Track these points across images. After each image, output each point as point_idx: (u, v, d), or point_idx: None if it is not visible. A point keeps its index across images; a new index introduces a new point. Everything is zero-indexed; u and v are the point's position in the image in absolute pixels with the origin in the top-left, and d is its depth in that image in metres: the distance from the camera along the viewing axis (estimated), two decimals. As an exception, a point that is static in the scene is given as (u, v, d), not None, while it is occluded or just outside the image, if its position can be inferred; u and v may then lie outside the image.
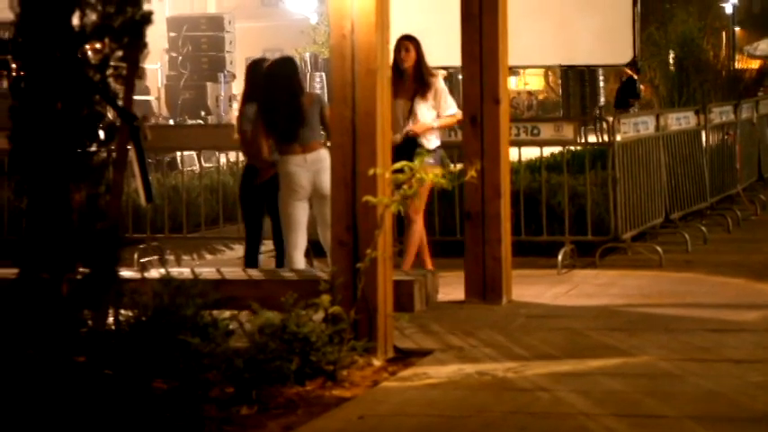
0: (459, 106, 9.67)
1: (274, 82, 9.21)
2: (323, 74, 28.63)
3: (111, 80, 6.18)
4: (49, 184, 6.00)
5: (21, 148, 6.08)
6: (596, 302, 9.07)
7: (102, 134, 6.19)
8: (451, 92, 10.38)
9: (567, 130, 10.92)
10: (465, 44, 9.08)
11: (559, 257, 10.44)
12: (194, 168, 15.71)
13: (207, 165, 14.84)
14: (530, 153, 11.82)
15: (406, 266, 9.42)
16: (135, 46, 6.17)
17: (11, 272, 6.19)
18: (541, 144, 11.24)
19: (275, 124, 9.02)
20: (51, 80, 5.99)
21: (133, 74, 6.36)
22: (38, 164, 6.00)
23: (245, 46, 28.94)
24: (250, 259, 9.68)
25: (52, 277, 6.03)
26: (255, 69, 9.80)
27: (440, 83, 9.78)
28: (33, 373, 5.81)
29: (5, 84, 16.16)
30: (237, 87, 28.09)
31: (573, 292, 9.54)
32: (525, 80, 36.80)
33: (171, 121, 22.46)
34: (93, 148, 6.15)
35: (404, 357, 7.24)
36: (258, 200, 9.50)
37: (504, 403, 6.26)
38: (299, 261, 9.06)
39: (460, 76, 9.37)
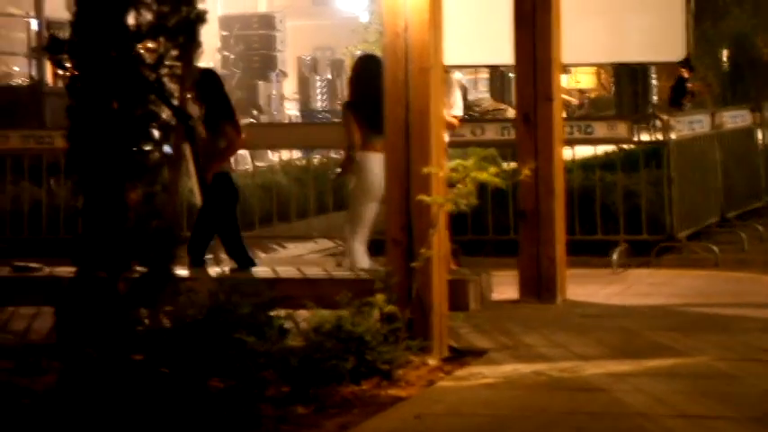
0: (510, 104, 9.65)
1: (372, 78, 9.19)
2: (374, 72, 28.61)
3: (166, 79, 6.20)
4: (106, 183, 6.04)
5: (78, 148, 6.12)
6: (651, 302, 9.01)
7: (157, 133, 6.21)
8: (504, 90, 10.35)
9: (621, 129, 10.86)
10: (518, 42, 9.04)
11: (614, 256, 10.37)
12: (247, 167, 15.79)
13: (259, 164, 14.91)
14: (582, 151, 11.75)
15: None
16: (190, 45, 6.19)
17: (68, 270, 6.23)
18: (595, 142, 11.18)
19: (371, 119, 8.88)
20: (107, 80, 6.02)
21: (188, 73, 6.39)
22: (94, 163, 6.03)
23: (295, 44, 28.98)
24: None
25: (109, 276, 6.06)
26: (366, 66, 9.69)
27: (452, 81, 9.72)
28: (92, 372, 5.85)
29: (63, 83, 16.32)
30: (289, 86, 28.23)
31: (628, 292, 9.48)
32: (576, 78, 36.60)
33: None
34: (149, 147, 6.17)
35: (459, 357, 7.22)
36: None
37: (561, 403, 6.23)
38: (364, 257, 9.05)
39: (511, 75, 9.32)
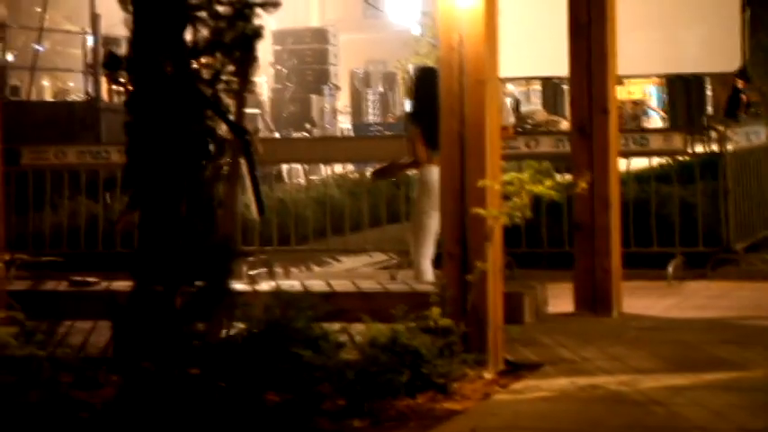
0: (563, 115, 9.65)
1: (433, 90, 9.25)
2: (426, 85, 28.64)
3: (222, 94, 6.25)
4: (163, 197, 6.08)
5: (136, 163, 6.18)
6: (708, 315, 8.94)
7: (214, 148, 6.25)
8: (557, 102, 10.35)
9: (677, 140, 10.80)
10: (573, 54, 9.02)
11: (670, 269, 10.31)
12: (300, 181, 15.85)
13: (312, 177, 14.96)
14: (636, 163, 11.70)
15: None
16: (246, 60, 6.24)
17: (125, 284, 6.28)
18: (650, 154, 11.12)
19: (433, 132, 8.97)
20: (165, 96, 6.08)
21: (244, 88, 6.43)
22: (152, 178, 6.08)
23: (348, 58, 29.08)
24: None
25: (166, 290, 6.10)
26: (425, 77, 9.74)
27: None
28: (149, 386, 5.89)
29: (119, 99, 16.46)
30: (342, 100, 28.32)
31: (684, 305, 9.42)
32: (629, 89, 36.44)
33: (276, 134, 22.65)
34: (206, 162, 6.21)
35: (514, 370, 7.20)
36: None
37: (618, 417, 6.19)
38: (429, 270, 9.07)
39: (565, 86, 9.30)
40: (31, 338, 6.80)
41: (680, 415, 6.19)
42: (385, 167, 9.62)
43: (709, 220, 10.92)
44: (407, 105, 10.18)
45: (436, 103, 9.04)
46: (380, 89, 29.60)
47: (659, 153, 11.10)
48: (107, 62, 6.28)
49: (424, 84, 9.52)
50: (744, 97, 23.35)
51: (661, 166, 12.26)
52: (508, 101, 9.50)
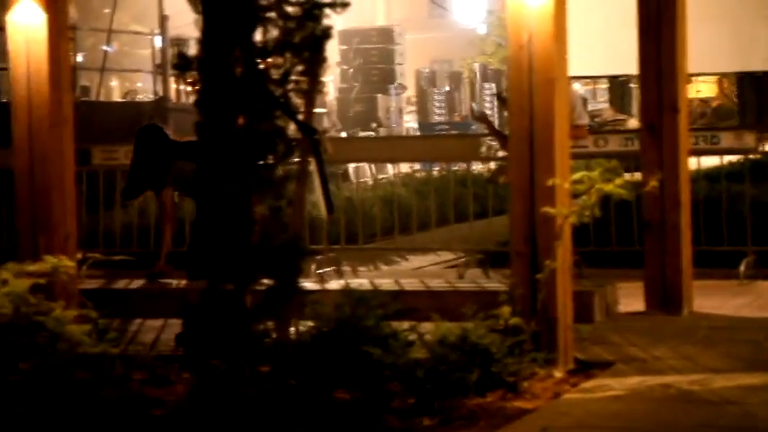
0: (630, 113, 9.59)
1: None
2: (492, 84, 28.61)
3: (291, 94, 6.27)
4: (233, 197, 6.12)
5: (206, 163, 6.21)
6: (781, 314, 8.85)
7: (283, 148, 6.27)
8: (624, 100, 10.29)
9: (748, 139, 10.69)
10: (642, 52, 8.96)
11: (741, 268, 10.21)
12: (367, 180, 15.88)
13: (380, 176, 14.99)
14: (705, 162, 11.59)
15: None
16: (315, 60, 6.26)
17: (195, 282, 6.32)
18: (721, 153, 11.02)
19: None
20: (234, 95, 6.11)
21: (314, 88, 6.46)
22: (222, 177, 6.12)
23: (413, 57, 29.09)
24: None
25: (237, 289, 6.14)
26: None
27: (571, 91, 9.67)
28: (221, 384, 5.93)
29: (187, 99, 16.59)
30: (408, 99, 28.33)
31: (756, 304, 9.32)
32: (697, 87, 36.15)
33: (343, 134, 22.72)
34: (275, 162, 6.24)
35: (585, 369, 7.16)
36: None
37: (691, 416, 6.14)
38: None
39: (632, 84, 9.25)
40: (104, 336, 6.88)
41: (753, 414, 6.12)
42: (499, 168, 9.60)
43: (781, 219, 10.80)
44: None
45: None
46: (446, 88, 29.58)
47: (730, 151, 10.99)
48: (177, 62, 6.31)
49: None
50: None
51: (731, 164, 12.15)
52: (581, 99, 9.49)
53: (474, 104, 25.83)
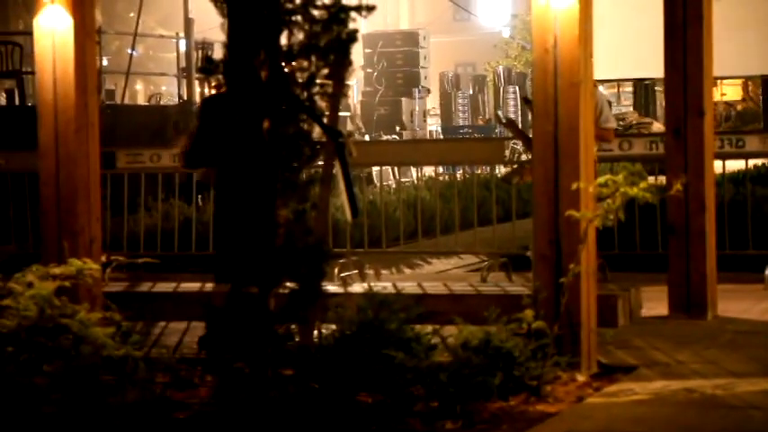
0: (655, 117, 9.57)
1: None
2: (516, 87, 28.59)
3: (317, 98, 6.28)
4: (258, 200, 6.13)
5: (230, 165, 6.23)
6: (807, 318, 8.81)
7: (308, 151, 6.28)
8: (648, 104, 10.28)
9: (774, 142, 10.67)
10: (668, 55, 8.94)
11: (766, 272, 10.17)
12: (390, 183, 15.88)
13: (403, 179, 14.99)
14: (730, 165, 11.55)
15: None
16: (341, 64, 6.26)
17: (218, 286, 6.33)
18: (746, 156, 10.99)
19: None
20: (260, 99, 6.12)
21: (339, 91, 6.47)
22: (247, 181, 6.13)
23: (437, 60, 29.10)
24: None
25: (261, 292, 6.15)
26: None
27: (598, 94, 9.64)
28: (244, 387, 5.94)
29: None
30: (432, 102, 28.35)
31: (781, 308, 9.29)
32: (722, 90, 36.05)
33: (366, 137, 22.73)
34: (299, 165, 6.25)
35: (608, 373, 7.15)
36: None
37: (715, 421, 6.12)
38: None
39: (657, 88, 9.23)
40: (128, 339, 6.91)
41: (778, 420, 6.11)
42: (514, 170, 9.63)
43: (807, 223, 10.76)
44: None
45: None
46: (470, 91, 29.57)
47: (756, 155, 10.96)
48: (203, 66, 6.34)
49: None
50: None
51: (756, 167, 12.12)
52: (607, 103, 9.48)
53: (499, 111, 25.82)
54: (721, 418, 6.17)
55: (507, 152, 12.57)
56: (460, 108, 28.41)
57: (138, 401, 6.31)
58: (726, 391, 6.67)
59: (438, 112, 28.71)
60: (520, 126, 9.63)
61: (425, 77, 25.28)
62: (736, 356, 7.54)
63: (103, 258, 8.33)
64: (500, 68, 30.70)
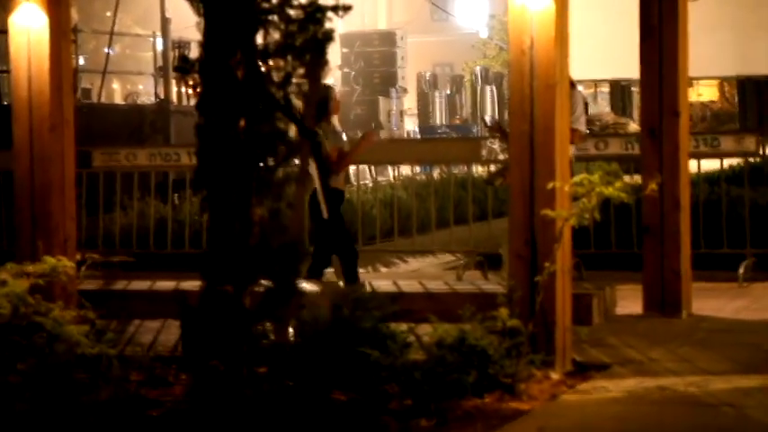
0: (631, 117, 9.61)
1: None
2: (493, 87, 28.62)
3: (292, 97, 6.28)
4: (233, 199, 6.13)
5: (206, 165, 6.22)
6: (780, 317, 8.87)
7: (283, 150, 6.28)
8: (625, 104, 10.32)
9: (749, 142, 10.72)
10: (644, 56, 8.98)
11: (740, 270, 10.23)
12: (367, 182, 15.89)
13: (380, 179, 15.00)
14: (705, 165, 11.61)
15: None
16: (317, 63, 6.26)
17: (193, 284, 6.34)
18: (721, 156, 11.04)
19: None
20: (235, 98, 6.12)
21: (315, 91, 6.46)
22: (222, 180, 6.13)
23: (415, 61, 29.10)
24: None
25: (235, 290, 6.15)
26: None
27: (575, 95, 9.67)
28: (218, 384, 5.94)
29: (188, 102, 16.61)
30: (409, 102, 28.35)
31: (755, 306, 9.33)
32: (698, 91, 36.18)
33: (344, 136, 22.71)
34: (275, 164, 6.25)
35: (582, 371, 7.18)
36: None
37: (688, 419, 6.15)
38: None
39: (634, 88, 9.26)
40: (102, 337, 6.90)
41: (750, 417, 6.13)
42: (498, 171, 9.67)
43: (781, 222, 10.81)
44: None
45: None
46: (447, 92, 29.58)
47: (731, 155, 11.01)
48: (179, 65, 6.33)
49: None
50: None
51: (731, 167, 12.17)
52: (583, 104, 9.46)
53: (487, 117, 25.87)
54: (695, 416, 6.21)
55: (484, 152, 12.57)
56: (438, 108, 28.41)
57: (112, 399, 6.30)
58: (699, 388, 6.70)
59: (415, 111, 28.71)
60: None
61: (403, 77, 25.29)
62: (710, 354, 7.58)
63: (78, 257, 8.30)
64: (478, 69, 30.72)
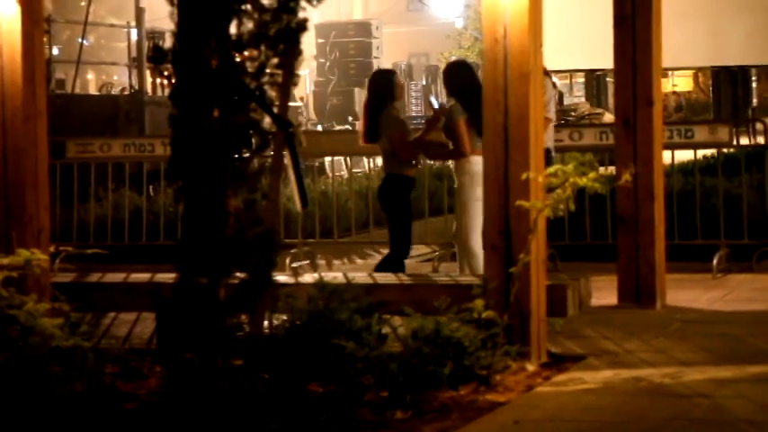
0: (607, 107, 9.63)
1: (473, 81, 9.45)
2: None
3: (266, 87, 6.25)
4: (207, 190, 6.10)
5: (180, 156, 6.19)
6: (754, 307, 8.89)
7: (258, 141, 6.26)
8: (600, 94, 10.33)
9: (722, 133, 10.74)
10: (617, 46, 8.98)
11: (714, 261, 10.26)
12: (342, 173, 15.87)
13: (355, 170, 14.97)
14: (680, 156, 11.63)
15: None
16: (291, 53, 6.24)
17: (168, 276, 6.31)
18: (695, 146, 11.07)
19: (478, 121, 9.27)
20: (209, 88, 6.09)
21: (289, 81, 6.44)
22: (196, 171, 6.10)
23: (391, 51, 29.10)
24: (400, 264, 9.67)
25: (210, 282, 6.12)
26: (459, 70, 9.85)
27: (548, 84, 9.69)
28: (193, 377, 5.92)
29: (163, 92, 16.56)
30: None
31: (729, 297, 9.36)
32: (673, 81, 36.31)
33: (319, 127, 22.69)
34: (249, 155, 6.22)
35: (558, 362, 7.19)
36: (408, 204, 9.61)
37: (663, 409, 6.17)
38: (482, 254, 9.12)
39: (609, 79, 9.27)
40: (77, 330, 6.87)
41: (724, 407, 6.16)
42: (431, 151, 9.71)
43: (755, 213, 10.85)
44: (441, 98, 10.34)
45: (478, 94, 9.22)
46: (423, 82, 29.58)
47: (705, 145, 11.04)
48: (152, 55, 6.29)
49: (464, 76, 9.58)
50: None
51: (705, 158, 12.21)
52: (555, 95, 9.40)
53: (432, 98, 25.87)
54: (670, 406, 6.22)
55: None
56: (413, 98, 28.41)
57: (87, 392, 6.27)
58: (674, 379, 6.72)
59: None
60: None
61: (378, 68, 25.25)
62: (685, 345, 7.60)
63: (52, 249, 8.26)
64: (453, 59, 30.73)
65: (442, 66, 31.62)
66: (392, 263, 9.56)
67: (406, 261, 9.89)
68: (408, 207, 9.62)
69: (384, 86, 9.83)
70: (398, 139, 9.56)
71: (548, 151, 9.37)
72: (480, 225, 9.16)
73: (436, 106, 9.97)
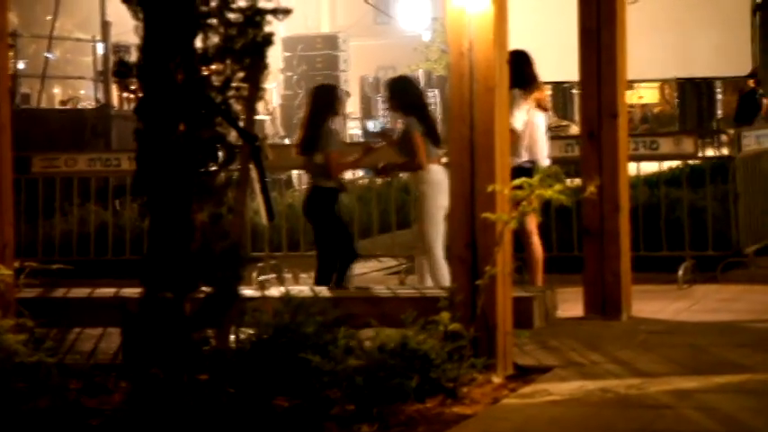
0: (573, 120, 9.67)
1: (418, 95, 9.84)
2: (436, 91, 28.70)
3: (232, 101, 6.25)
4: (173, 204, 6.09)
5: (145, 170, 6.18)
6: (719, 318, 8.94)
7: (223, 154, 6.26)
8: (567, 106, 10.38)
9: (687, 144, 10.80)
10: (582, 58, 9.02)
11: (680, 272, 10.31)
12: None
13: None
14: (646, 167, 11.67)
15: (539, 283, 9.42)
16: (256, 67, 6.24)
17: (134, 291, 6.29)
18: (660, 158, 11.11)
19: (431, 134, 9.49)
20: (175, 102, 6.08)
21: (255, 95, 6.45)
22: (162, 185, 6.09)
23: (358, 64, 29.12)
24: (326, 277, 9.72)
25: (176, 296, 6.11)
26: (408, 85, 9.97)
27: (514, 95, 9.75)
28: (159, 392, 5.90)
29: (129, 106, 16.52)
30: (352, 106, 28.36)
31: (695, 308, 9.41)
32: (639, 93, 36.47)
33: (287, 140, 22.66)
34: (215, 169, 6.22)
35: (524, 374, 7.20)
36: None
37: (628, 421, 6.19)
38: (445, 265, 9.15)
39: (575, 91, 9.30)
40: (41, 345, 6.83)
41: (689, 418, 6.18)
42: (386, 166, 9.87)
43: (720, 224, 10.91)
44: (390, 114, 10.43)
45: (425, 107, 9.54)
46: (390, 95, 29.55)
47: (670, 157, 11.09)
48: (117, 70, 6.27)
49: (410, 90, 9.85)
50: (765, 100, 23.22)
51: (671, 169, 12.26)
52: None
53: (370, 124, 25.98)
54: (635, 418, 6.25)
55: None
56: (381, 112, 28.43)
57: (51, 408, 6.24)
58: (639, 390, 6.75)
59: (358, 115, 28.72)
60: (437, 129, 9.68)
61: (345, 81, 25.30)
62: (650, 357, 7.63)
63: (17, 264, 8.20)
64: (420, 72, 30.78)
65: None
66: (344, 270, 9.65)
67: (374, 274, 9.92)
68: (337, 216, 9.71)
69: (325, 100, 9.89)
70: (334, 157, 9.63)
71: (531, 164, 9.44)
72: (442, 233, 9.23)
73: (378, 131, 10.22)
